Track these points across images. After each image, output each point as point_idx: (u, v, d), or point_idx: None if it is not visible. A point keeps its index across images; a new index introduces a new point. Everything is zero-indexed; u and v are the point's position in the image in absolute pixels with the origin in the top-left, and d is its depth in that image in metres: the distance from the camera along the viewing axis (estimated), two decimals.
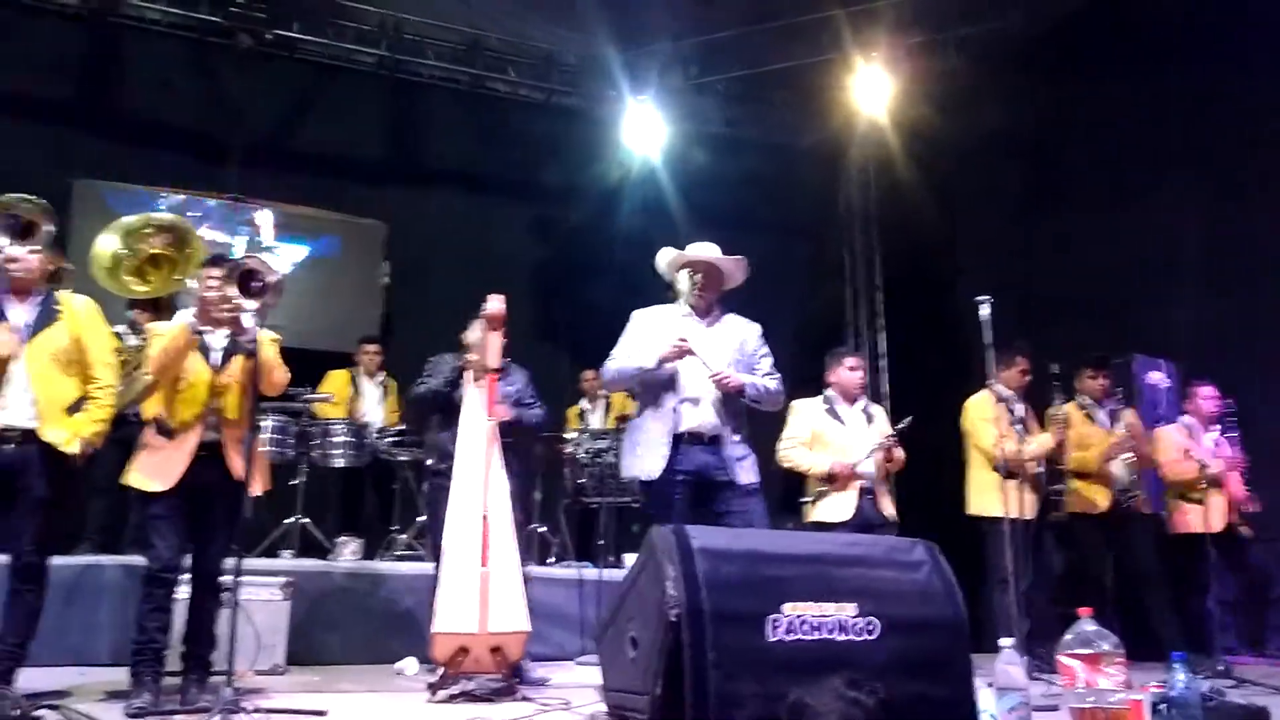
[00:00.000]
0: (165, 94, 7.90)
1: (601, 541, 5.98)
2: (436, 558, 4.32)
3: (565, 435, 6.89)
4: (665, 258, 4.19)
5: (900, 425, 4.85)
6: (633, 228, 8.56)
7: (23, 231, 3.30)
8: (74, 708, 2.97)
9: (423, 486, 6.29)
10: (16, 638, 3.35)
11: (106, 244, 3.88)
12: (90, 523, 5.50)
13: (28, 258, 3.35)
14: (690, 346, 3.86)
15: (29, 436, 3.35)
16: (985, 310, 4.41)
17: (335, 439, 6.22)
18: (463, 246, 8.31)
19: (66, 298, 3.62)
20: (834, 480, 4.67)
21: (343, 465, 6.28)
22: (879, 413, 5.04)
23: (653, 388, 3.97)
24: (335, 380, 6.84)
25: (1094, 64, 7.22)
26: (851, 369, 4.89)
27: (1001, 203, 8.08)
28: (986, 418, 4.92)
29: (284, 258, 7.78)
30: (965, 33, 7.96)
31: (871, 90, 7.95)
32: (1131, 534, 5.30)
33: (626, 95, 8.45)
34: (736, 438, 3.94)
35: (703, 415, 3.90)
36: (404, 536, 6.22)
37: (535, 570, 5.34)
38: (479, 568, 3.92)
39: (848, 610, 2.83)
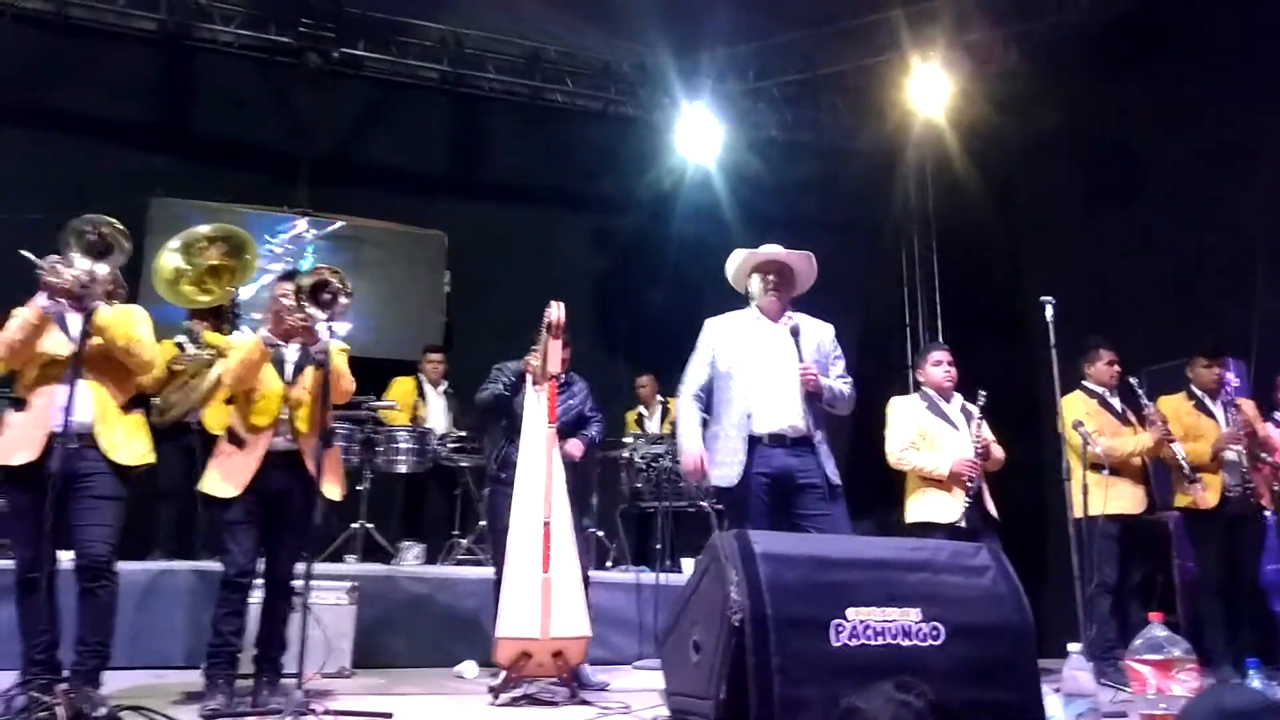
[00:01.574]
0: (237, 113, 8.18)
1: (659, 546, 6.00)
2: (498, 563, 4.41)
3: (623, 440, 6.93)
4: (734, 262, 4.14)
5: (979, 402, 4.62)
6: (689, 234, 8.60)
7: (102, 251, 3.40)
8: (154, 709, 3.07)
9: (482, 491, 6.41)
10: (95, 636, 3.39)
11: (168, 260, 3.99)
12: (162, 529, 5.67)
13: (100, 277, 3.44)
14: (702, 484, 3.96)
15: (90, 441, 3.40)
16: (1049, 311, 4.37)
17: (399, 445, 6.35)
18: (521, 256, 8.41)
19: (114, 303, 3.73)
20: (957, 479, 4.45)
21: (406, 471, 6.41)
22: (975, 412, 4.71)
23: (725, 392, 3.92)
24: (400, 388, 6.99)
25: (1158, 58, 7.04)
26: (936, 364, 4.68)
27: (1064, 201, 7.91)
28: (1077, 415, 4.83)
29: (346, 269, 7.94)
30: (1024, 29, 7.85)
31: (928, 90, 7.89)
32: (1242, 534, 5.02)
33: (682, 102, 8.50)
34: (820, 439, 3.88)
35: (784, 417, 3.83)
36: (465, 541, 6.31)
37: (592, 574, 5.37)
38: (540, 574, 3.96)
39: (911, 615, 2.81)
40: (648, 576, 5.78)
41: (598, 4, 7.87)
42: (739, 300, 4.30)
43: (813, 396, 3.88)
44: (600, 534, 6.58)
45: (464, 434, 6.55)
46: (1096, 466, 4.72)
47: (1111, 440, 4.87)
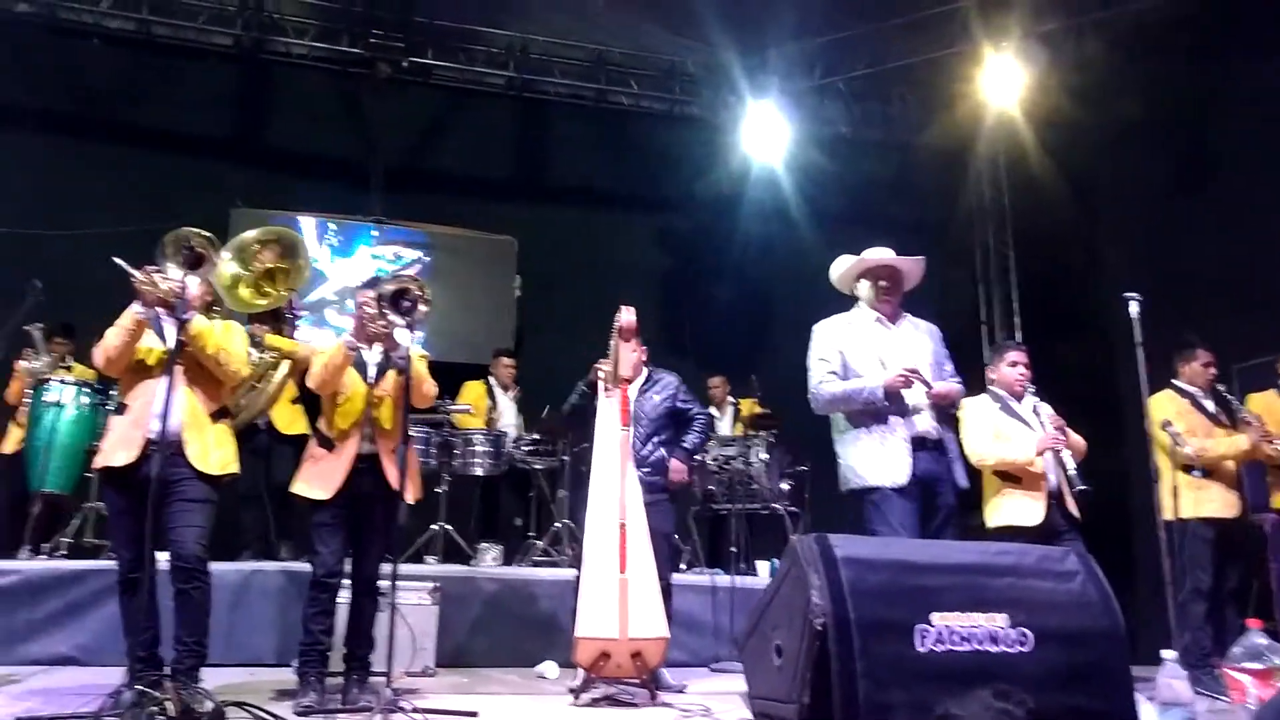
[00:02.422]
0: (312, 124, 8.42)
1: (734, 549, 5.99)
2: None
3: None
4: (840, 266, 4.15)
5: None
6: (756, 233, 8.59)
7: (193, 262, 3.52)
8: (256, 705, 3.17)
9: (559, 494, 6.48)
10: (191, 635, 3.47)
11: (224, 268, 4.10)
12: (249, 531, 5.84)
13: (192, 288, 3.57)
14: (918, 374, 3.84)
15: (180, 448, 3.48)
16: (1134, 307, 4.25)
17: (475, 448, 6.45)
18: (589, 258, 8.48)
19: (215, 320, 3.86)
20: (1037, 481, 4.34)
21: (482, 474, 6.51)
22: (1046, 411, 4.56)
23: None
24: (472, 391, 7.09)
25: (1241, 43, 6.80)
26: (1012, 364, 4.56)
27: (1146, 193, 7.69)
28: (1166, 415, 4.70)
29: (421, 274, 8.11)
30: (1102, 17, 7.64)
31: (1002, 82, 7.74)
32: None
33: (748, 100, 8.47)
34: (951, 440, 3.92)
35: (925, 419, 3.88)
36: (541, 543, 6.38)
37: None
38: (618, 574, 3.99)
39: (998, 621, 2.78)
40: (723, 579, 5.77)
41: (662, 5, 7.89)
42: (810, 299, 4.29)
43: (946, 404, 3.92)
44: (674, 536, 6.59)
45: (538, 437, 6.63)
46: (1187, 468, 4.59)
47: (1204, 441, 4.73)
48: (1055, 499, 4.31)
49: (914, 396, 3.88)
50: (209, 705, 2.86)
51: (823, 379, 3.98)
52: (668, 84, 8.98)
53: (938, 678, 2.64)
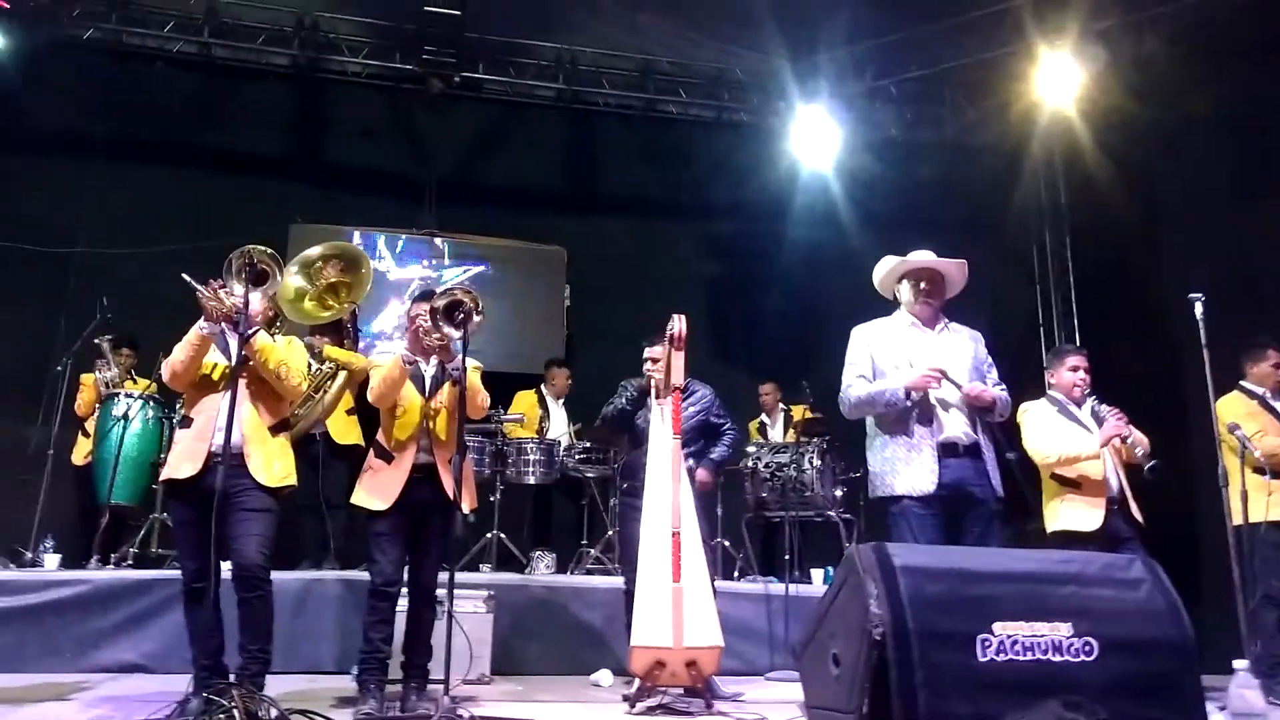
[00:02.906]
0: (366, 140, 8.59)
1: (787, 556, 5.94)
2: (626, 572, 4.47)
3: (746, 449, 6.90)
4: (883, 268, 4.11)
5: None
6: (807, 239, 8.53)
7: (257, 279, 3.61)
8: (319, 713, 3.22)
9: (610, 503, 6.51)
10: (255, 642, 3.54)
11: (289, 281, 4.18)
12: (308, 541, 5.95)
13: (255, 303, 3.65)
14: (944, 373, 3.76)
15: (240, 460, 3.55)
16: (1199, 308, 4.16)
17: (528, 457, 6.51)
18: (638, 267, 8.51)
19: (277, 336, 3.94)
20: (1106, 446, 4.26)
21: (534, 482, 6.56)
22: (1107, 408, 4.48)
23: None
24: (524, 401, 7.16)
25: None
26: (1073, 369, 4.49)
27: (1210, 191, 7.49)
28: (1233, 417, 4.59)
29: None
30: (1161, 12, 7.47)
31: (1058, 81, 7.61)
32: None
33: (797, 105, 8.43)
34: (987, 445, 3.82)
35: (958, 425, 3.79)
36: (594, 550, 6.41)
37: (721, 585, 5.37)
38: (672, 583, 3.99)
39: (1062, 630, 2.72)
40: (776, 587, 5.73)
41: (711, 14, 7.90)
42: (860, 304, 4.24)
43: (980, 408, 3.83)
44: (726, 544, 6.57)
45: (589, 445, 6.66)
46: (1259, 470, 4.47)
47: (1276, 440, 4.60)
48: (1117, 504, 4.23)
49: (947, 398, 3.80)
50: (274, 713, 2.91)
51: (851, 382, 3.94)
52: (715, 91, 8.99)
53: (1000, 688, 2.59)
